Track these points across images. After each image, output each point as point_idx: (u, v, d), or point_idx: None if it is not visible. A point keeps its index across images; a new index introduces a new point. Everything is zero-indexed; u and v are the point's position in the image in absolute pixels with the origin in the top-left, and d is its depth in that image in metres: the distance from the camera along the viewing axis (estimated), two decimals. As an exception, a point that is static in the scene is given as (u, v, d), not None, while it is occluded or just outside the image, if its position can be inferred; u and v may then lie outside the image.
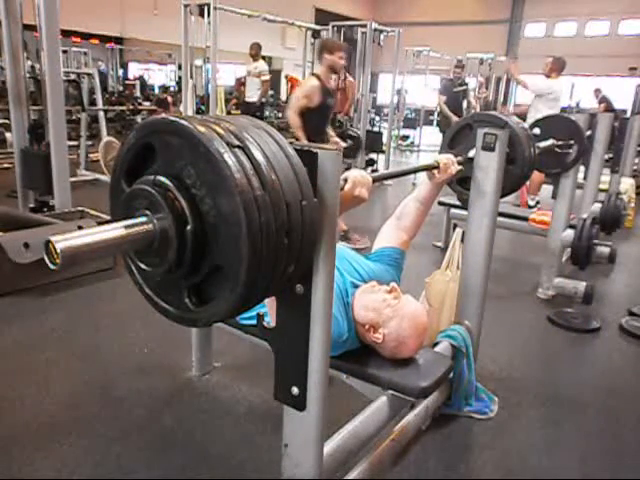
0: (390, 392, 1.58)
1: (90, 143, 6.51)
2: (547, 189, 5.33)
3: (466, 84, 7.34)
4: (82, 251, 0.77)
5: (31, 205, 3.95)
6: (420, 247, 4.04)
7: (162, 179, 0.87)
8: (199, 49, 6.70)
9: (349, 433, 1.42)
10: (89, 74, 6.78)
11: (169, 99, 7.28)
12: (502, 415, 2.02)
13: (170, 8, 8.46)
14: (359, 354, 1.65)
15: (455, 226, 3.71)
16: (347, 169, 1.29)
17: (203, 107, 7.62)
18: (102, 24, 12.46)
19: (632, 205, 5.21)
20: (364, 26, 7.25)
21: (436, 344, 1.92)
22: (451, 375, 1.86)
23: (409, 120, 13.42)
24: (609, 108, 10.18)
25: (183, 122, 0.85)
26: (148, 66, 17.69)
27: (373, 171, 6.90)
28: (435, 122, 11.19)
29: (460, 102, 7.06)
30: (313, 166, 0.98)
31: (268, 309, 1.24)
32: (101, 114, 6.73)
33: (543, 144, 2.58)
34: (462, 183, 2.03)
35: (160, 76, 17.88)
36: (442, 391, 1.92)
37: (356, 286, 1.70)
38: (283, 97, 15.87)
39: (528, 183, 4.68)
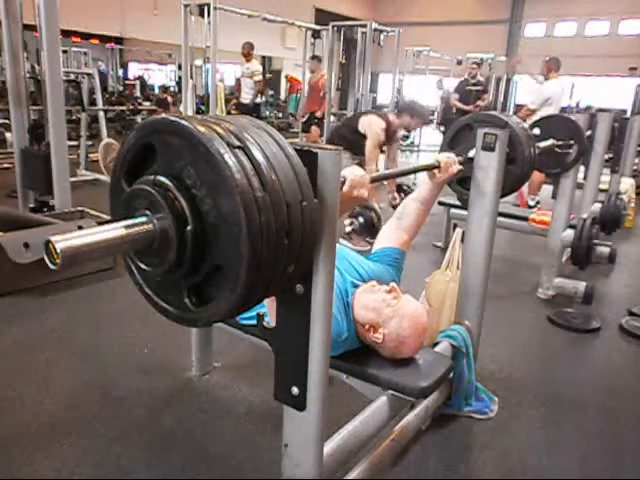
0: (390, 392, 1.58)
1: (90, 143, 6.50)
2: (547, 189, 5.34)
3: (481, 85, 7.22)
4: (82, 251, 0.77)
5: (31, 205, 3.95)
6: (420, 247, 4.04)
7: (162, 179, 0.87)
8: (199, 49, 6.70)
9: (349, 433, 1.42)
10: (89, 74, 6.77)
11: (169, 99, 7.29)
12: (502, 415, 2.02)
13: (170, 8, 8.46)
14: (359, 354, 1.65)
15: (455, 226, 3.71)
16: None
17: (203, 107, 7.62)
18: (102, 24, 12.45)
19: (632, 205, 5.21)
20: (364, 26, 7.25)
21: (436, 344, 1.92)
22: (451, 375, 1.86)
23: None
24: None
25: (183, 122, 0.85)
26: (148, 66, 17.69)
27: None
28: (435, 122, 11.18)
29: (470, 101, 7.02)
30: (313, 166, 0.98)
31: (268, 309, 1.24)
32: (101, 114, 6.73)
33: (543, 144, 2.58)
34: (462, 183, 2.02)
35: (160, 76, 17.88)
36: (442, 391, 1.92)
37: (356, 286, 1.70)
38: (283, 97, 15.90)
39: (528, 184, 4.68)
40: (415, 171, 1.93)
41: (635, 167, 6.00)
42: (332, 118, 7.48)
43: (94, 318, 2.67)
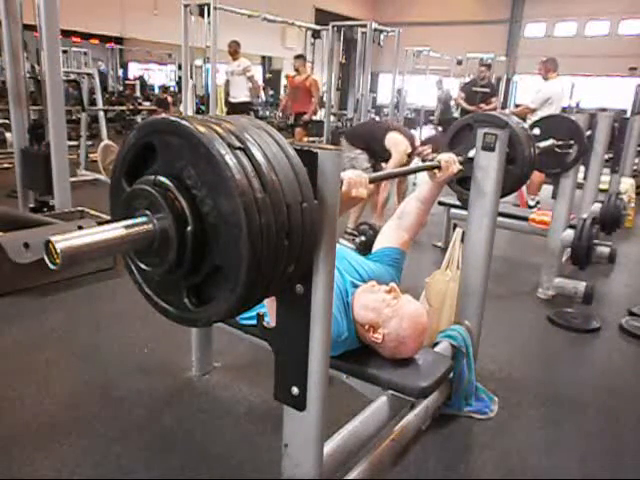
0: (390, 392, 1.58)
1: (90, 143, 6.50)
2: (547, 189, 5.34)
3: (490, 87, 7.08)
4: (82, 251, 0.77)
5: (31, 205, 3.95)
6: (420, 247, 4.04)
7: (162, 179, 0.87)
8: (199, 49, 6.71)
9: (349, 433, 1.42)
10: (89, 74, 6.77)
11: (169, 99, 7.29)
12: (502, 415, 2.02)
13: (170, 8, 8.46)
14: (359, 354, 1.65)
15: (455, 226, 3.71)
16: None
17: (203, 107, 7.62)
18: (102, 24, 12.44)
19: (632, 205, 5.21)
20: (364, 26, 7.26)
21: (436, 344, 1.92)
22: (451, 375, 1.86)
23: (409, 120, 13.42)
24: None
25: (183, 122, 0.85)
26: (148, 66, 17.70)
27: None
28: (435, 122, 11.18)
29: (474, 102, 6.97)
30: (313, 166, 0.98)
31: (268, 309, 1.24)
32: (101, 114, 6.73)
33: (543, 144, 2.58)
34: (462, 183, 2.02)
35: (160, 76, 17.89)
36: (442, 391, 1.92)
37: (356, 286, 1.70)
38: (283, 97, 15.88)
39: (528, 184, 4.68)
40: (415, 171, 1.93)
41: (635, 167, 5.99)
42: (332, 118, 7.47)
43: (94, 318, 2.67)
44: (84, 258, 0.79)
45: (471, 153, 1.88)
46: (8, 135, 6.46)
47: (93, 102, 7.16)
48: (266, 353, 1.23)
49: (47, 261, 0.75)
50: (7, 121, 5.96)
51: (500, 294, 3.20)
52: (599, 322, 2.89)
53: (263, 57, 15.97)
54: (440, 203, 3.92)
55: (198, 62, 7.55)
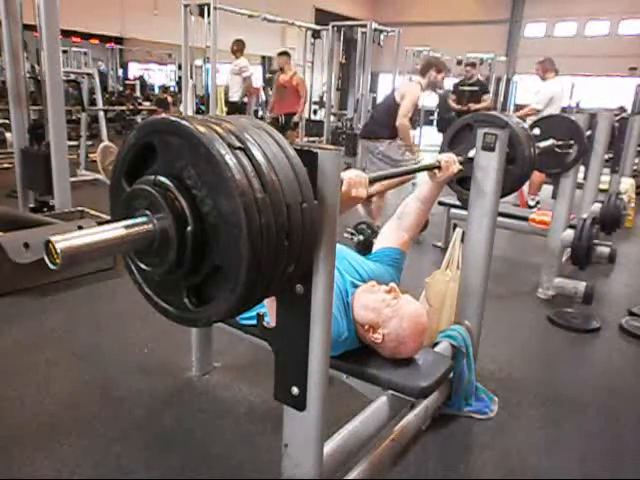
0: (390, 392, 1.58)
1: (90, 143, 6.50)
2: (547, 189, 5.34)
3: (480, 85, 7.04)
4: (82, 251, 0.77)
5: (31, 205, 3.95)
6: (420, 247, 4.04)
7: (162, 179, 0.87)
8: (199, 49, 6.71)
9: (349, 433, 1.42)
10: (89, 74, 6.76)
11: (169, 99, 7.29)
12: (502, 415, 2.02)
13: (170, 8, 8.46)
14: (359, 354, 1.65)
15: (455, 226, 3.71)
16: (346, 168, 1.29)
17: (203, 107, 7.61)
18: (102, 24, 12.44)
19: (632, 205, 5.21)
20: (364, 26, 7.26)
21: (436, 344, 1.92)
22: (451, 375, 1.86)
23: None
24: None
25: (184, 122, 0.85)
26: (148, 66, 17.70)
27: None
28: (435, 122, 11.17)
29: (463, 102, 6.94)
30: (313, 166, 0.98)
31: (268, 309, 1.24)
32: (101, 114, 6.72)
33: (543, 144, 2.58)
34: (462, 183, 2.02)
35: (160, 76, 17.89)
36: (442, 391, 1.92)
37: (356, 286, 1.70)
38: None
39: (528, 184, 4.68)
40: (415, 171, 1.93)
41: (635, 167, 5.99)
42: (332, 118, 7.46)
43: (94, 318, 2.67)
44: (84, 258, 0.78)
45: (471, 153, 1.88)
46: (8, 135, 6.46)
47: (93, 102, 7.16)
48: (266, 353, 1.23)
49: (47, 261, 0.75)
50: (7, 121, 5.96)
51: (500, 294, 3.20)
52: (599, 322, 2.88)
53: (263, 57, 15.95)
54: (440, 203, 3.92)
55: (198, 62, 7.55)
